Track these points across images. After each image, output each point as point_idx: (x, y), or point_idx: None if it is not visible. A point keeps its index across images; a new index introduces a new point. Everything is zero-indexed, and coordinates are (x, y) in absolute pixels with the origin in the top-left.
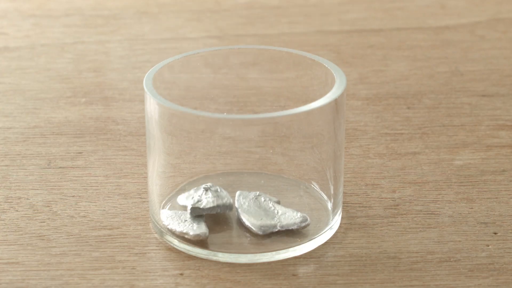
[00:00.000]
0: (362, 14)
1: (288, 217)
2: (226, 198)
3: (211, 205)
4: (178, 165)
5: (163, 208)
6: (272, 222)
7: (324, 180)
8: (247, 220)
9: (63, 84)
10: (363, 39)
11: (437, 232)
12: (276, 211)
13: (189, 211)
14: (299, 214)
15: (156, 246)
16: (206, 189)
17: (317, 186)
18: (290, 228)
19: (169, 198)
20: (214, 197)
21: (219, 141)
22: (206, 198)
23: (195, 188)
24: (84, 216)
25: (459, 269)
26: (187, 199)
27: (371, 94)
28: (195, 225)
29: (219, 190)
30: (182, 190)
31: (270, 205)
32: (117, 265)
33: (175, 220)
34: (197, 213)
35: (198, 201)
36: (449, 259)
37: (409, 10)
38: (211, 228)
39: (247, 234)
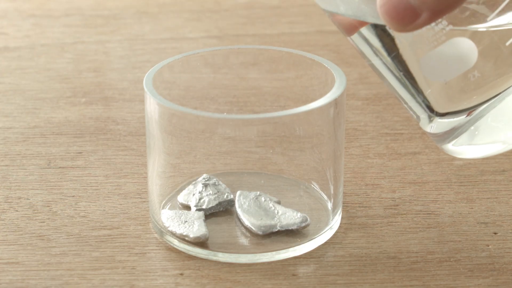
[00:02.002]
0: None
1: (288, 217)
2: (226, 194)
3: (213, 203)
4: (178, 165)
5: (163, 208)
6: (272, 222)
7: (324, 180)
8: (247, 220)
9: (63, 84)
10: None
11: (437, 232)
12: (276, 211)
13: (193, 212)
14: (299, 214)
15: (156, 246)
16: (205, 185)
17: (317, 186)
18: (290, 228)
19: (169, 198)
20: (214, 194)
21: (219, 141)
22: (207, 195)
23: (194, 183)
24: (84, 216)
25: (459, 269)
26: (187, 196)
27: (371, 94)
28: (195, 227)
29: (217, 183)
30: (182, 190)
31: (270, 205)
32: (117, 265)
33: (175, 221)
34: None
35: (200, 199)
36: (449, 259)
37: None
38: (211, 228)
39: (247, 234)
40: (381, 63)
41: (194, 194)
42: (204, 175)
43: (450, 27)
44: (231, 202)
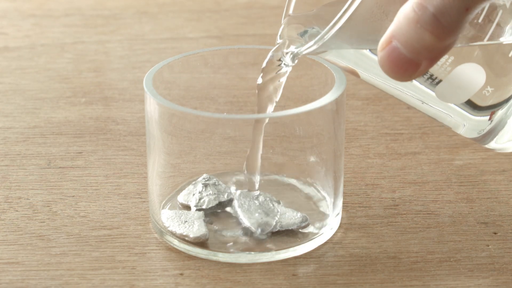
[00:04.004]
0: None
1: (288, 217)
2: (226, 193)
3: (213, 203)
4: (178, 165)
5: (163, 208)
6: (272, 222)
7: (324, 180)
8: (247, 220)
9: (63, 84)
10: None
11: (437, 232)
12: (276, 211)
13: (193, 212)
14: (299, 214)
15: (156, 246)
16: (205, 185)
17: (317, 186)
18: (290, 228)
19: (169, 198)
20: (214, 194)
21: (219, 141)
22: (207, 195)
23: (194, 183)
24: (84, 216)
25: (459, 269)
26: (187, 196)
27: (371, 94)
28: (195, 227)
29: (217, 183)
30: (182, 190)
31: (270, 205)
32: (117, 265)
33: (175, 221)
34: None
35: (200, 199)
36: (449, 259)
37: None
38: (211, 228)
39: (247, 234)
40: (400, 93)
41: (194, 194)
42: (204, 175)
43: (452, 58)
44: (231, 202)
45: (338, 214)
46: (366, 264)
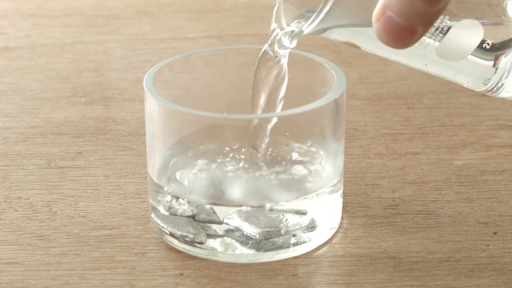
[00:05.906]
0: None
1: (292, 220)
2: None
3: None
4: (178, 165)
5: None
6: (276, 229)
7: (324, 180)
8: (250, 229)
9: (63, 84)
10: None
11: (437, 232)
12: (281, 217)
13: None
14: (305, 217)
15: (156, 246)
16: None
17: (317, 187)
18: (295, 230)
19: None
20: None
21: (219, 141)
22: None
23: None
24: (84, 216)
25: (459, 269)
26: (185, 174)
27: (371, 94)
28: (195, 226)
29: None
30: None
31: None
32: (117, 265)
33: (174, 220)
34: None
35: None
36: (449, 259)
37: None
38: (211, 227)
39: (248, 235)
40: (401, 59)
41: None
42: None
43: (447, 17)
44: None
45: (338, 214)
46: (366, 264)
